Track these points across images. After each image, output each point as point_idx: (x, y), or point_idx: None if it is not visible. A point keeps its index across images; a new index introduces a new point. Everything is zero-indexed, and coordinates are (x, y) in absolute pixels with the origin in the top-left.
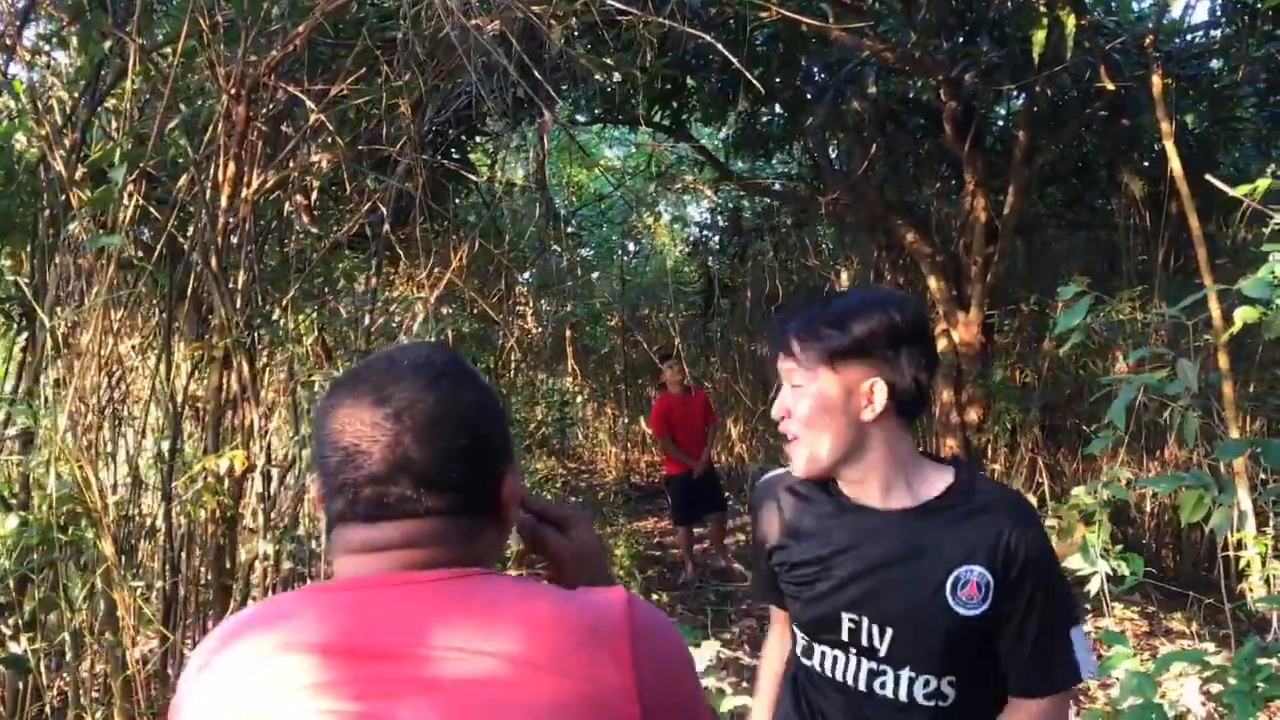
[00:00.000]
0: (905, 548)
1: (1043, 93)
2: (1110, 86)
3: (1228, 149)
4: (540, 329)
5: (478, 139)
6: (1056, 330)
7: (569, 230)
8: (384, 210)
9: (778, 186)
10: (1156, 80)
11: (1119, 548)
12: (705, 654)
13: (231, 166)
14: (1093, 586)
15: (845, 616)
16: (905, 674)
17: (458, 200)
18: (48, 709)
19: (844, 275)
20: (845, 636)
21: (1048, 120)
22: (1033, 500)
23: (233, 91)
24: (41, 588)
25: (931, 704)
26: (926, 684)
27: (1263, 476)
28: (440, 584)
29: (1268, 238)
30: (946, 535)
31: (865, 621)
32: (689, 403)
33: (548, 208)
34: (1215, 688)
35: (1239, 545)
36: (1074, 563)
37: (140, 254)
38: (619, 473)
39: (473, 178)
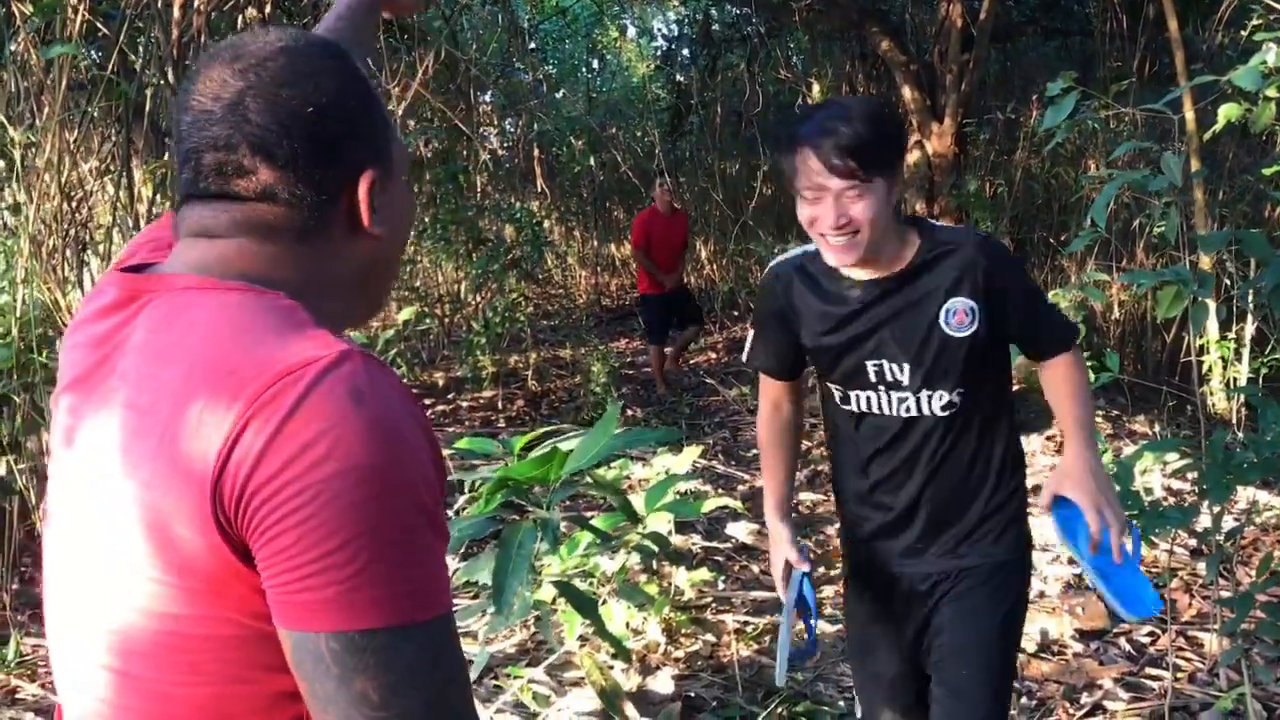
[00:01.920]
0: (903, 301)
1: None
2: None
3: None
4: (506, 148)
5: None
6: (1043, 126)
7: (532, 46)
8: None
9: None
10: None
11: (1085, 352)
12: (685, 460)
13: None
14: None
15: (869, 364)
16: (924, 394)
17: (416, 13)
18: (37, 526)
19: (815, 88)
20: (873, 379)
21: None
22: None
23: None
24: (21, 410)
25: (946, 414)
26: (941, 398)
27: (1227, 282)
28: (210, 295)
29: (1249, 34)
30: (930, 280)
31: (885, 363)
32: (671, 222)
33: (511, 20)
34: (1175, 484)
35: (1201, 350)
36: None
37: (92, 69)
38: (589, 296)
39: None
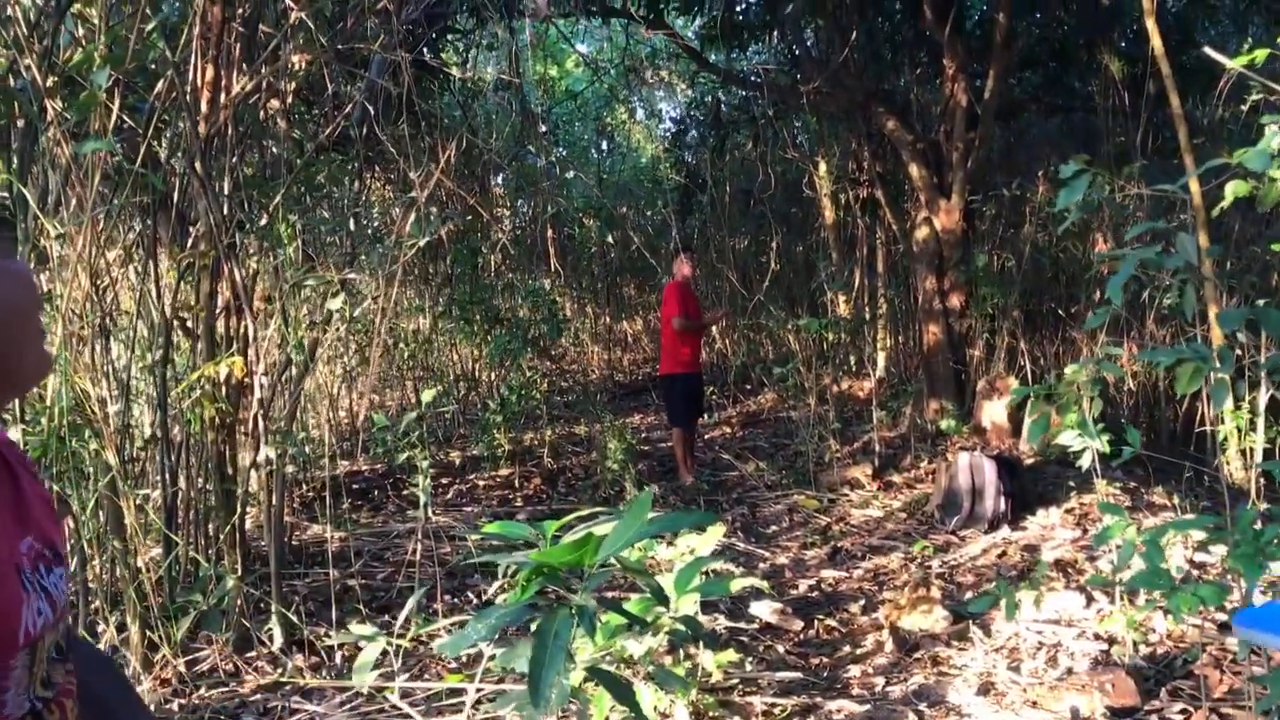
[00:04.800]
0: None
1: None
2: None
3: (1205, 26)
4: (519, 229)
5: (448, 38)
6: (1057, 206)
7: (544, 129)
8: (371, 108)
9: (755, 77)
10: None
11: (1100, 426)
12: (710, 539)
13: (210, 70)
14: (1085, 461)
15: None
16: None
17: (430, 101)
18: None
19: (822, 167)
20: None
21: (1027, 2)
22: (1015, 383)
23: None
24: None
25: None
26: None
27: (1238, 352)
28: None
29: (1249, 110)
30: None
31: None
32: (695, 296)
33: (523, 106)
34: (1198, 556)
35: (1216, 421)
36: (1066, 439)
37: (121, 161)
38: (602, 372)
39: (455, 74)
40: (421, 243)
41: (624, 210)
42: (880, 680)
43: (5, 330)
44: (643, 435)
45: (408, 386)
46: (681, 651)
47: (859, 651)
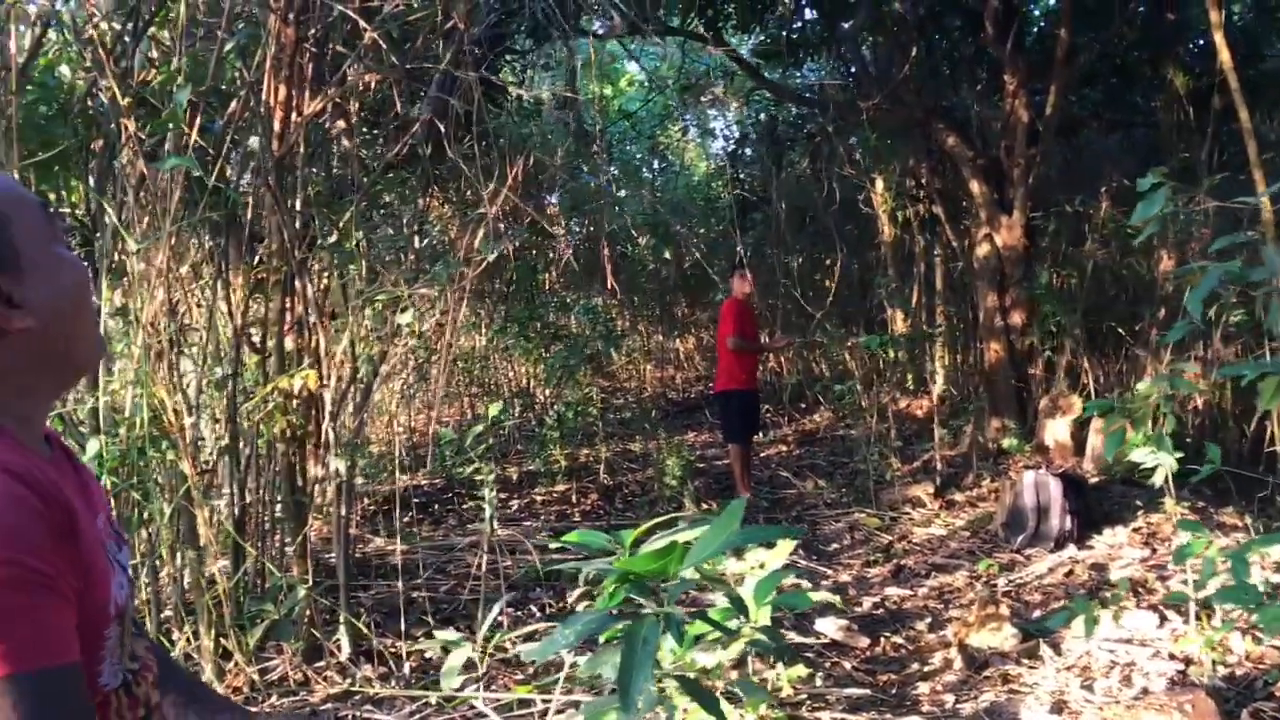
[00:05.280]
0: None
1: None
2: None
3: (1273, 39)
4: (574, 247)
5: (506, 58)
6: (1134, 218)
7: (598, 148)
8: (441, 126)
9: (812, 93)
10: None
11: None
12: (780, 553)
13: (282, 90)
14: (1158, 478)
15: None
16: None
17: (491, 120)
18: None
19: (879, 183)
20: None
21: (1089, 17)
22: (1078, 401)
23: (280, 10)
24: (122, 508)
25: None
26: None
27: None
28: None
29: None
30: None
31: None
32: (752, 313)
33: (579, 124)
34: (1275, 577)
35: None
36: (1138, 455)
37: (198, 178)
38: (655, 389)
39: (521, 93)
40: (491, 257)
41: (678, 228)
42: (950, 698)
43: (64, 316)
44: (698, 453)
45: (463, 402)
46: (750, 665)
47: (927, 669)
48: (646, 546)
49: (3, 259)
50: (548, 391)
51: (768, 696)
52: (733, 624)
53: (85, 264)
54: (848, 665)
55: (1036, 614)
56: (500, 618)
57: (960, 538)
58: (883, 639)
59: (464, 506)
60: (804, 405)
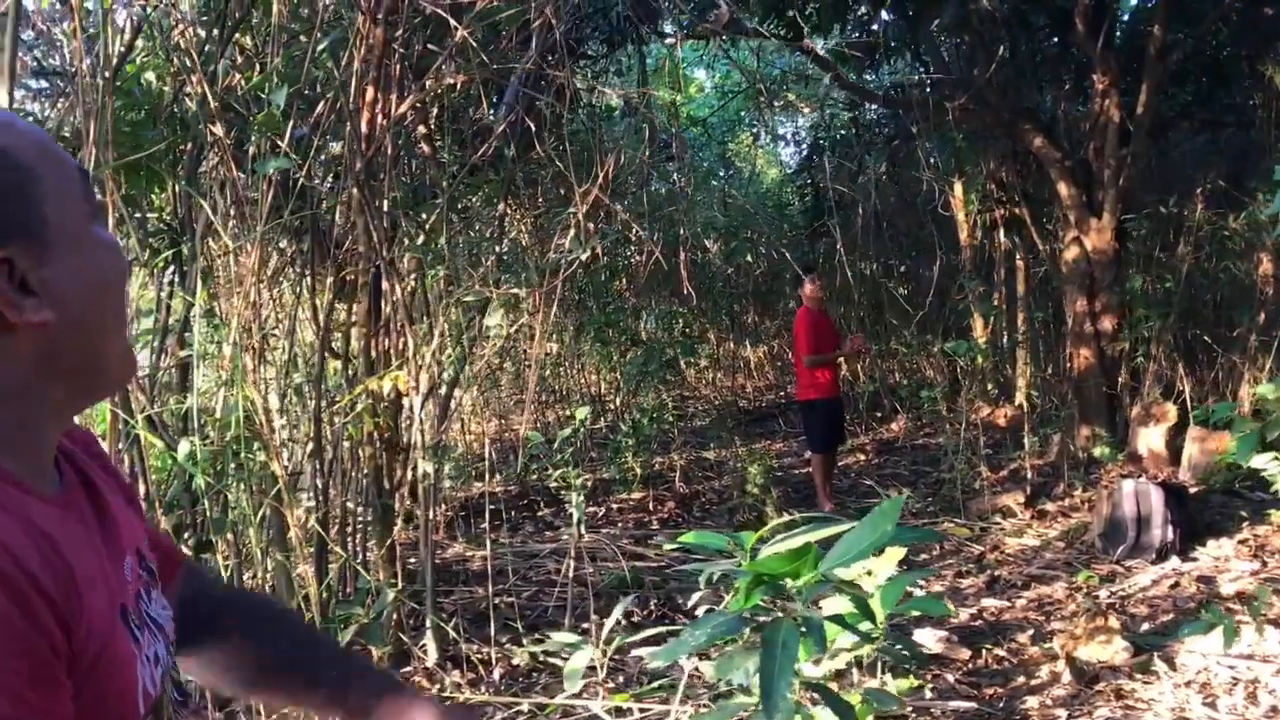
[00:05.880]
0: None
1: None
2: None
3: None
4: (650, 253)
5: (580, 63)
6: (1268, 212)
7: (672, 154)
8: (533, 124)
9: (897, 92)
10: None
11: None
12: (890, 561)
13: (370, 91)
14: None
15: None
16: None
17: (567, 124)
18: None
19: (958, 187)
20: None
21: (1182, 12)
22: (1173, 409)
23: (369, 11)
24: (213, 509)
25: None
26: None
27: None
28: None
29: None
30: None
31: None
32: (827, 320)
33: (652, 131)
34: None
35: None
36: (1260, 462)
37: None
38: (725, 398)
39: (613, 93)
40: (583, 256)
41: (749, 235)
42: (1062, 712)
43: (93, 314)
44: (773, 461)
45: (535, 408)
46: (853, 676)
47: (1034, 682)
48: (768, 549)
49: (25, 225)
50: (618, 400)
51: (899, 703)
52: (865, 629)
53: (120, 248)
54: (950, 678)
55: (1145, 627)
56: (587, 624)
57: (1055, 548)
58: (984, 651)
59: (539, 513)
60: (880, 414)
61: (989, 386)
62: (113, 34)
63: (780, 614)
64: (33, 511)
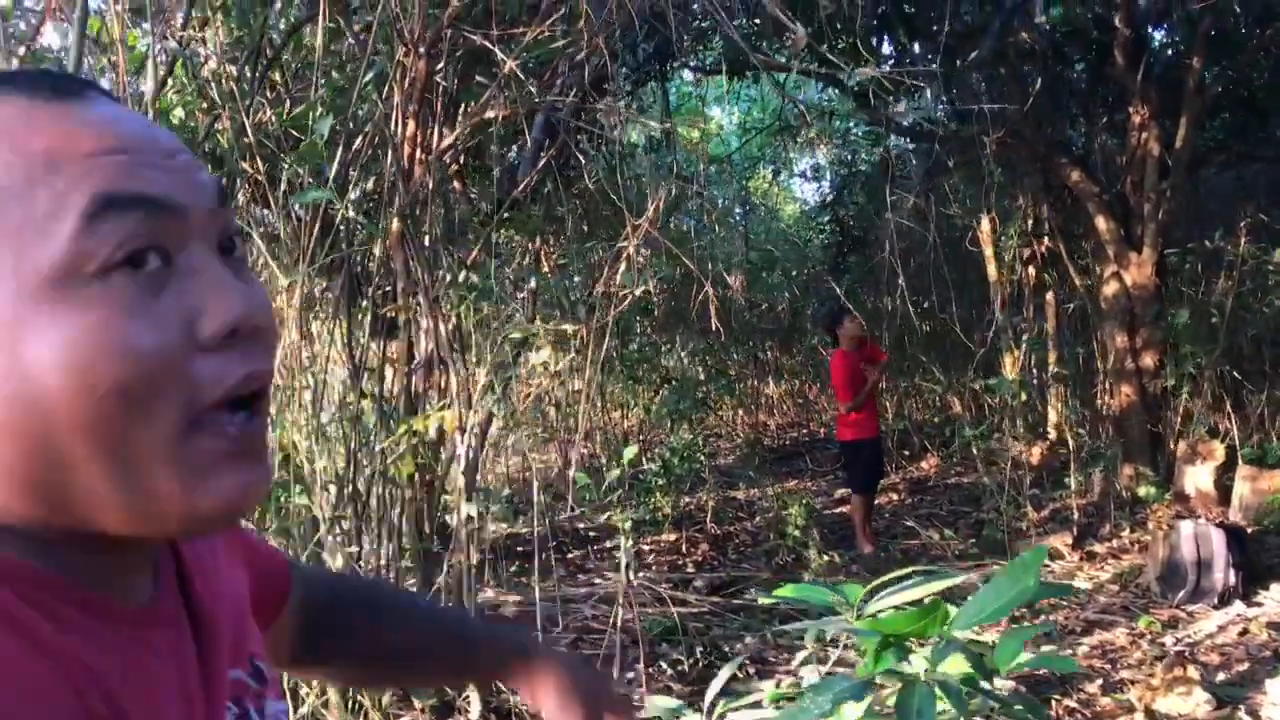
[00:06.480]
0: None
1: (1215, 11)
2: None
3: None
4: (669, 289)
5: (604, 101)
6: None
7: (694, 190)
8: (581, 158)
9: (926, 125)
10: None
11: None
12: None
13: (411, 125)
14: None
15: None
16: None
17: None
18: None
19: (985, 223)
20: None
21: (1220, 45)
22: (1220, 447)
23: (412, 42)
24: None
25: None
26: None
27: None
28: None
29: None
30: None
31: None
32: (862, 360)
33: (675, 168)
34: None
35: None
36: None
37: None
38: (748, 435)
39: (653, 125)
40: (638, 292)
41: (772, 271)
42: None
43: (39, 415)
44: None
45: (558, 447)
46: None
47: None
48: (876, 603)
49: None
50: (643, 437)
51: None
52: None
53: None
54: None
55: (1220, 677)
56: (629, 675)
57: (1109, 592)
58: (1054, 702)
59: (569, 555)
60: (908, 452)
61: (1020, 425)
62: (147, 69)
63: (907, 676)
64: (84, 639)
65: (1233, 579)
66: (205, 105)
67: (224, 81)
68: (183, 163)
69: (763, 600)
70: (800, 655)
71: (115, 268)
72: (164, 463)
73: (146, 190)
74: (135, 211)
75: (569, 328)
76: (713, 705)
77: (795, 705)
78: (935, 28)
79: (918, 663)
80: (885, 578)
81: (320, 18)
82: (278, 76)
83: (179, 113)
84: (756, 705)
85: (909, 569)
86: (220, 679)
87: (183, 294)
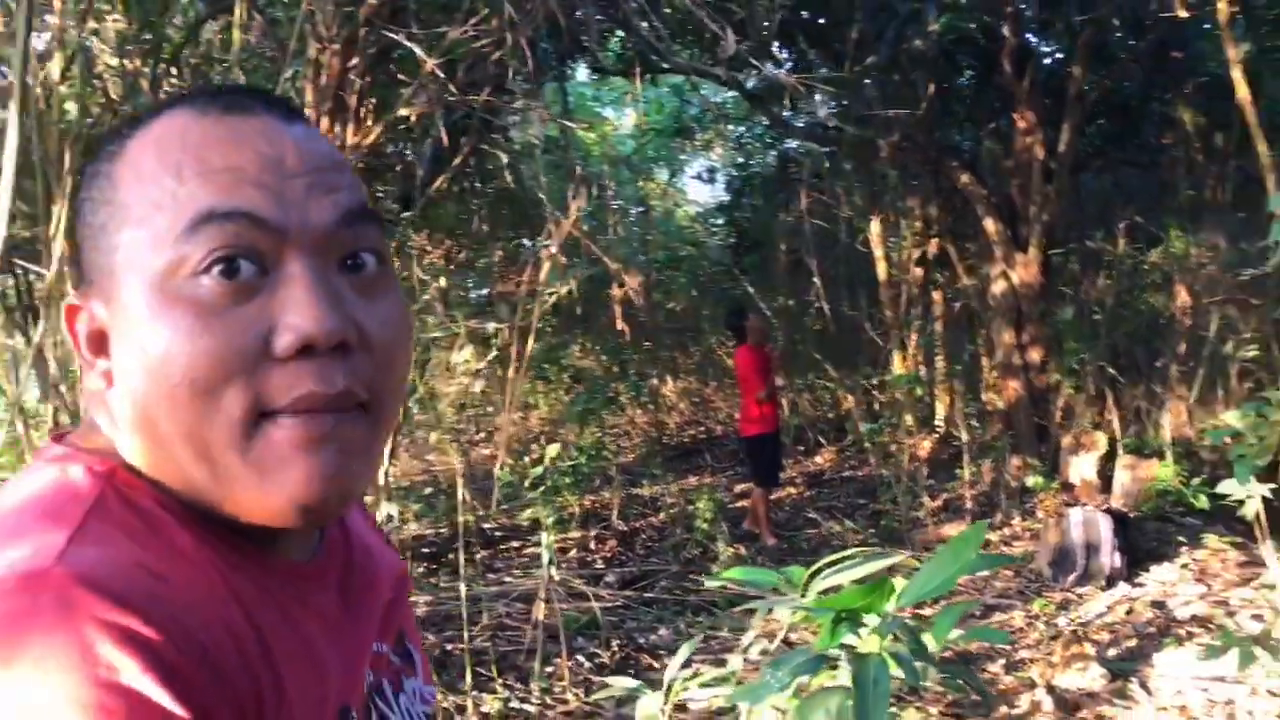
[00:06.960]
0: None
1: (1095, 23)
2: (1184, 14)
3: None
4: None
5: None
6: (1270, 239)
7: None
8: (490, 155)
9: (825, 129)
10: (1223, 5)
11: (1201, 479)
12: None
13: (325, 122)
14: (1249, 510)
15: None
16: None
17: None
18: None
19: (875, 224)
20: None
21: (1098, 54)
22: (1101, 438)
23: (327, 39)
24: None
25: None
26: None
27: None
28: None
29: None
30: None
31: None
32: (768, 356)
33: (572, 169)
34: None
35: None
36: (1226, 487)
37: None
38: (648, 434)
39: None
40: (563, 290)
41: (670, 271)
42: None
43: (155, 403)
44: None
45: (459, 449)
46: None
47: (1015, 712)
48: (817, 584)
49: (100, 267)
50: (542, 437)
51: None
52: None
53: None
54: (933, 710)
55: (1111, 653)
56: (550, 668)
57: (1004, 577)
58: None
59: (477, 556)
60: (803, 447)
61: (908, 419)
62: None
63: (859, 651)
64: (246, 581)
65: (1118, 562)
66: (102, 100)
67: (123, 76)
68: (304, 183)
69: (709, 583)
70: (747, 638)
71: (207, 272)
72: (233, 450)
73: (244, 205)
74: (231, 224)
75: (492, 326)
76: (670, 685)
77: (754, 680)
78: (832, 35)
79: (869, 637)
80: (837, 556)
81: (235, 13)
82: (175, 72)
83: (71, 106)
84: (714, 683)
85: (841, 554)
86: (363, 645)
87: (269, 304)
